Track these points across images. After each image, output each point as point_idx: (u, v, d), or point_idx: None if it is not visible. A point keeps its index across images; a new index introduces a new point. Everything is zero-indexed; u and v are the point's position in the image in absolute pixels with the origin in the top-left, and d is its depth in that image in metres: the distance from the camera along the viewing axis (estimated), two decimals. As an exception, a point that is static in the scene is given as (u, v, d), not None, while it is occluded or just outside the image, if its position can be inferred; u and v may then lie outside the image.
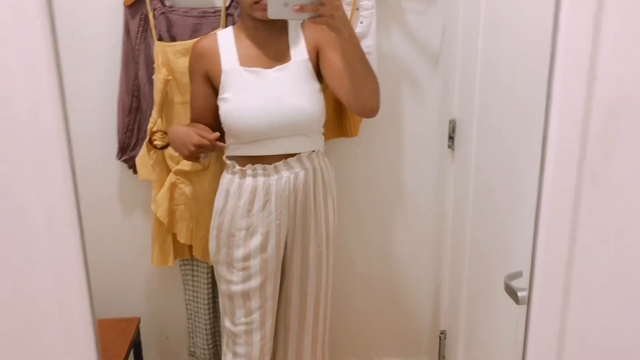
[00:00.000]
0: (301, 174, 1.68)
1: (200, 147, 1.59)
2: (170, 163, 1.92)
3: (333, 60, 1.63)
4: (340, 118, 2.00)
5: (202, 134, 1.59)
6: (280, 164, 1.65)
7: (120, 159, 2.00)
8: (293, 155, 1.66)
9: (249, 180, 1.66)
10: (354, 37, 1.44)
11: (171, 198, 1.94)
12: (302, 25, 1.71)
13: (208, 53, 1.68)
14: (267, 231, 1.66)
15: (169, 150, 1.90)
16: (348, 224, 2.17)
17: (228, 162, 1.72)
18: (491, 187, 1.60)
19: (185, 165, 1.90)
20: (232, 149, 1.69)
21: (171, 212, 1.95)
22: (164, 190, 1.93)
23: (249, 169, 1.66)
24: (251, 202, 1.66)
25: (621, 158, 0.81)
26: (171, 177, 1.92)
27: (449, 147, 1.89)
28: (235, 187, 1.68)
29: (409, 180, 2.14)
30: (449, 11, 1.89)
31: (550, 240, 0.84)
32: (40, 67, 0.77)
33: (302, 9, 1.32)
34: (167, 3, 1.89)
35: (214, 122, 1.73)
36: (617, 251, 0.87)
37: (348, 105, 1.60)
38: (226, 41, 1.69)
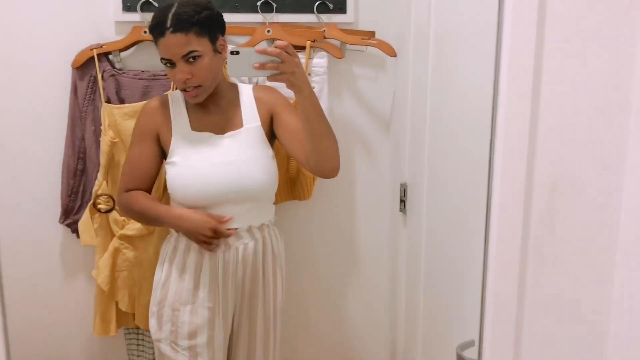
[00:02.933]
0: (250, 244, 1.61)
1: (216, 233, 1.53)
2: (114, 227, 1.86)
3: (289, 122, 1.60)
4: (292, 181, 1.98)
5: (218, 219, 1.54)
6: None
7: (63, 222, 1.93)
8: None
9: (194, 251, 1.59)
10: (313, 96, 1.42)
11: (114, 264, 1.87)
12: (254, 88, 1.68)
13: (160, 114, 1.63)
14: (214, 306, 1.58)
15: (114, 214, 1.84)
16: (300, 289, 2.11)
17: (173, 232, 1.64)
18: (442, 252, 1.58)
19: (130, 229, 1.84)
20: None
21: (113, 279, 1.88)
22: (107, 255, 1.86)
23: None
24: (197, 274, 1.58)
25: (565, 232, 0.80)
26: (115, 242, 1.86)
27: (401, 210, 1.88)
28: (179, 257, 1.60)
29: (362, 243, 2.12)
30: (399, 77, 1.92)
31: (498, 313, 0.81)
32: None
33: (262, 66, 1.31)
34: (117, 65, 1.87)
35: (151, 188, 1.66)
36: (564, 322, 0.86)
37: (308, 167, 1.55)
38: (177, 104, 1.64)
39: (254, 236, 1.61)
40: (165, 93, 1.71)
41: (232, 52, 1.33)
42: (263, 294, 1.65)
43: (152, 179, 1.65)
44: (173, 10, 1.48)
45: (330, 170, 1.54)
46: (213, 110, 1.63)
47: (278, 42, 1.32)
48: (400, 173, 1.89)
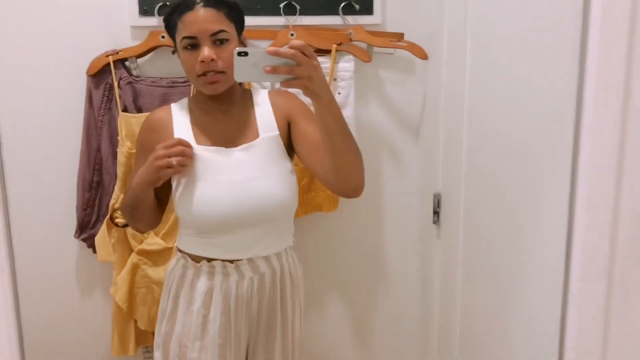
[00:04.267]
0: (267, 274, 1.45)
1: (167, 156, 1.31)
2: (132, 242, 1.78)
3: (308, 131, 1.40)
4: (317, 192, 1.88)
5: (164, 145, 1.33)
6: (243, 262, 1.41)
7: (78, 237, 1.85)
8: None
9: (203, 279, 1.42)
10: (334, 104, 1.22)
11: (132, 281, 1.79)
12: (270, 93, 1.51)
13: (160, 127, 1.43)
14: (225, 342, 1.42)
15: (132, 229, 1.75)
16: (323, 308, 2.02)
17: (179, 254, 1.48)
18: (485, 270, 1.48)
19: (150, 244, 1.76)
20: (185, 240, 1.46)
21: (131, 296, 1.80)
22: (125, 272, 1.78)
23: (204, 265, 1.42)
24: (207, 306, 1.41)
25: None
26: (133, 258, 1.78)
27: (434, 222, 1.78)
28: (187, 287, 1.43)
29: (392, 258, 2.01)
30: (430, 81, 1.82)
31: (580, 350, 0.71)
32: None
33: (274, 70, 1.11)
34: (133, 72, 1.78)
35: (159, 209, 1.47)
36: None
37: (327, 184, 1.36)
38: (180, 115, 1.45)
39: (271, 265, 1.45)
40: (169, 104, 1.50)
41: (239, 53, 1.13)
42: (282, 327, 1.49)
43: (159, 198, 1.47)
44: None
45: (352, 189, 1.34)
46: (222, 119, 1.43)
47: (293, 42, 1.11)
48: (432, 182, 1.79)
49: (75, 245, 1.89)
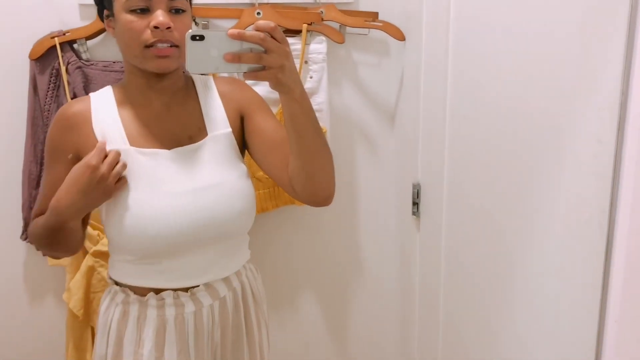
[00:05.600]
0: (229, 297, 1.24)
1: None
2: (87, 243, 1.64)
3: (266, 128, 1.19)
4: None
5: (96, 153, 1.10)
6: (199, 288, 1.19)
7: (25, 239, 1.71)
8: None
9: (151, 316, 1.17)
10: (305, 98, 1.03)
11: (88, 285, 1.66)
12: (215, 81, 1.27)
13: (80, 124, 1.17)
14: None
15: (86, 229, 1.60)
16: (299, 305, 1.92)
17: (115, 287, 1.22)
18: (469, 263, 1.39)
19: (106, 245, 1.61)
20: (122, 269, 1.21)
21: (87, 302, 1.67)
22: (79, 275, 1.65)
23: (151, 298, 1.18)
24: (159, 348, 1.17)
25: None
26: (88, 260, 1.65)
27: (414, 214, 1.68)
28: (131, 327, 1.18)
29: (369, 252, 1.91)
30: (407, 64, 1.72)
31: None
32: None
33: (237, 58, 0.92)
34: (83, 56, 1.62)
35: (83, 227, 1.22)
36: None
37: (292, 192, 1.16)
38: (105, 109, 1.18)
39: (231, 286, 1.24)
40: (89, 94, 1.23)
41: (193, 37, 0.91)
42: (249, 351, 1.29)
43: None
44: None
45: (322, 198, 1.15)
46: (161, 114, 1.19)
47: (260, 23, 0.92)
48: (411, 172, 1.69)
49: (22, 247, 1.75)
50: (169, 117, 1.20)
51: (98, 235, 1.63)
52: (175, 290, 1.18)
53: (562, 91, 0.97)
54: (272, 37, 0.92)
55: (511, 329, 1.20)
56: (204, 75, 1.28)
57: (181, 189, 1.14)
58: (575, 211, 0.94)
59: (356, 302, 1.95)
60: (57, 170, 1.18)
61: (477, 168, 1.33)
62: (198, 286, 1.20)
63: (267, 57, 0.92)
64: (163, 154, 1.16)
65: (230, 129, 1.22)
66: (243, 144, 1.26)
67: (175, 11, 1.11)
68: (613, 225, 0.75)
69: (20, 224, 1.69)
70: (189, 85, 1.25)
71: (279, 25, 0.96)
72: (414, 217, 1.69)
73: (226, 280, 1.24)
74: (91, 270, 1.64)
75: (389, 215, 1.88)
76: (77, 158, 1.15)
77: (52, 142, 1.20)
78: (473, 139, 1.33)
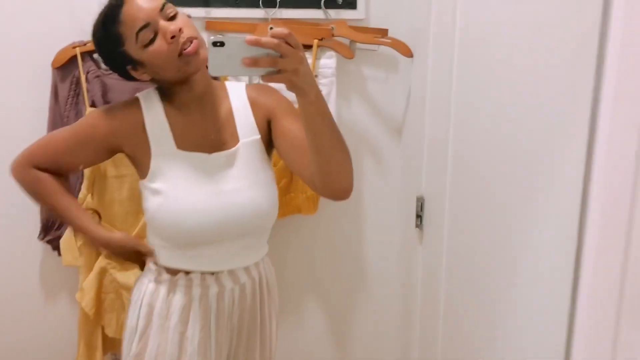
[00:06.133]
0: (248, 284, 1.37)
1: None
2: (100, 246, 1.68)
3: (291, 130, 1.28)
4: (296, 193, 1.81)
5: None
6: (224, 273, 1.33)
7: (42, 239, 1.77)
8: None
9: (179, 293, 1.31)
10: (321, 99, 1.09)
11: (100, 285, 1.71)
12: (247, 88, 1.37)
13: (128, 128, 1.29)
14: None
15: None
16: (302, 312, 1.97)
17: (152, 267, 1.36)
18: (470, 276, 1.43)
19: (118, 248, 1.67)
20: (159, 253, 1.34)
21: (99, 302, 1.73)
22: (92, 276, 1.70)
23: (181, 278, 1.31)
24: (184, 323, 1.31)
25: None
26: (100, 262, 1.70)
27: (417, 226, 1.72)
28: (161, 302, 1.31)
29: (372, 262, 1.96)
30: (414, 79, 1.76)
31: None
32: None
33: (254, 62, 0.98)
34: (102, 65, 1.69)
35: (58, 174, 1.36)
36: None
37: (313, 187, 1.25)
38: (154, 113, 1.30)
39: (250, 275, 1.37)
40: (135, 96, 1.33)
41: (214, 43, 1.00)
42: (261, 336, 1.42)
43: (66, 172, 1.39)
44: None
45: (341, 191, 1.22)
46: (200, 119, 1.31)
47: (277, 30, 0.98)
48: (415, 185, 1.73)
49: (39, 248, 1.81)
50: (206, 123, 1.32)
51: (111, 237, 1.69)
52: (202, 273, 1.32)
53: (555, 105, 1.02)
54: (286, 42, 0.99)
55: (508, 339, 1.23)
56: (236, 84, 1.39)
57: (215, 190, 1.28)
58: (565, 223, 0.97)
59: (359, 311, 1.99)
60: (77, 148, 1.31)
61: (477, 183, 1.37)
62: (222, 272, 1.33)
63: (281, 61, 0.98)
64: (203, 158, 1.29)
65: (259, 136, 1.33)
66: (270, 144, 1.36)
67: (171, 18, 1.21)
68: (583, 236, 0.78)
69: (37, 226, 1.75)
70: (223, 95, 1.35)
71: None
72: (417, 229, 1.73)
73: (246, 269, 1.37)
74: (103, 271, 1.70)
75: (393, 226, 1.92)
76: (112, 151, 1.31)
77: (91, 127, 1.30)
78: (474, 155, 1.38)
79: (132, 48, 1.21)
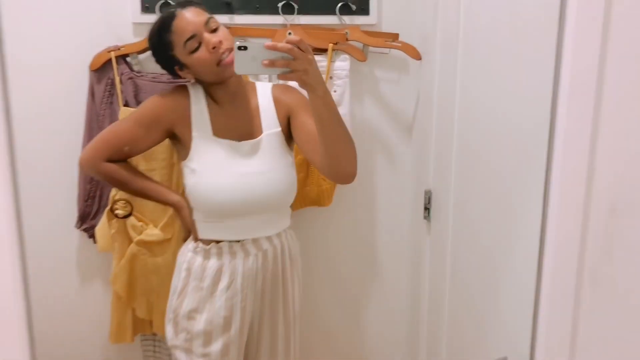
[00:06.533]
0: (270, 251, 1.58)
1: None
2: (132, 233, 1.82)
3: (306, 123, 1.50)
4: (312, 186, 1.93)
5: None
6: (248, 241, 1.56)
7: (79, 227, 1.89)
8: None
9: (213, 260, 1.55)
10: (328, 96, 1.31)
11: (131, 270, 1.83)
12: (273, 88, 1.60)
13: (181, 109, 1.53)
14: (230, 315, 1.55)
15: (131, 220, 1.80)
16: (318, 297, 2.07)
17: (191, 241, 1.60)
18: (472, 262, 1.53)
19: (148, 235, 1.81)
20: (198, 227, 1.57)
21: (131, 286, 1.84)
22: (124, 261, 1.82)
23: (213, 247, 1.55)
24: (215, 283, 1.55)
25: (622, 257, 0.75)
26: (132, 248, 1.82)
27: (425, 218, 1.83)
28: (197, 267, 1.55)
29: (383, 252, 2.07)
30: (423, 81, 1.87)
31: (551, 341, 0.76)
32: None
33: (272, 63, 1.19)
34: (135, 68, 1.83)
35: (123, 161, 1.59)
36: (620, 351, 0.80)
37: (322, 171, 1.47)
38: (199, 101, 1.55)
39: (272, 243, 1.59)
40: (183, 84, 1.57)
41: (239, 47, 1.20)
42: (284, 299, 1.63)
43: (129, 157, 1.61)
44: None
45: (345, 175, 1.44)
46: (232, 113, 1.55)
47: (290, 37, 1.20)
48: (424, 179, 1.84)
49: (76, 235, 1.93)
50: (237, 116, 1.55)
51: (142, 226, 1.82)
52: (230, 242, 1.54)
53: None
54: (298, 47, 1.19)
55: (509, 326, 1.31)
56: (265, 84, 1.62)
57: (241, 172, 1.51)
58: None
59: (370, 298, 2.10)
60: (142, 134, 1.52)
61: (480, 177, 1.47)
62: (247, 240, 1.55)
63: (294, 63, 1.20)
64: (233, 145, 1.52)
65: (279, 129, 1.55)
66: (290, 137, 1.57)
67: (214, 31, 1.45)
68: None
69: (75, 214, 1.88)
70: (253, 93, 1.59)
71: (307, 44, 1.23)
72: (425, 220, 1.84)
73: (268, 238, 1.58)
74: (135, 257, 1.82)
75: (403, 218, 2.03)
76: (168, 131, 1.53)
77: (151, 112, 1.53)
78: (477, 151, 1.48)
79: (180, 53, 1.45)
